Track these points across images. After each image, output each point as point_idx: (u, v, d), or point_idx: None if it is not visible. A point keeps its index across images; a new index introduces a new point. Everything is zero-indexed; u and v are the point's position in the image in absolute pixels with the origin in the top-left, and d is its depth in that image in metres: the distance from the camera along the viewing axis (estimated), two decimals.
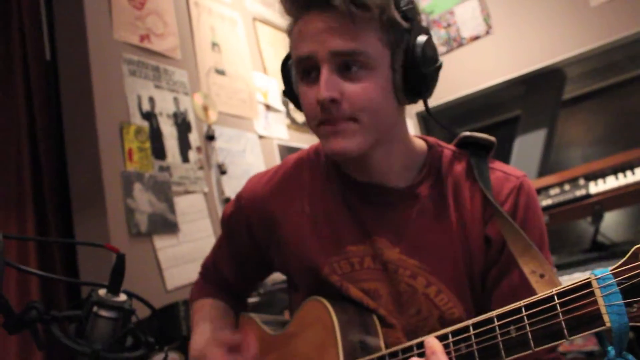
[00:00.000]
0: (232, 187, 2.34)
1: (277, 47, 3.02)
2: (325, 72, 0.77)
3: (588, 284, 0.56)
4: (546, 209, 2.38)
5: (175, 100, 2.20)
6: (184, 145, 2.17)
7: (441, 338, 0.68)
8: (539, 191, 2.52)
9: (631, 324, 0.52)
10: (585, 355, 2.25)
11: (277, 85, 2.89)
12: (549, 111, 3.10)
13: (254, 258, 1.05)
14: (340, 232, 0.92)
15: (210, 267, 1.13)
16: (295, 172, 0.99)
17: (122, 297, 0.74)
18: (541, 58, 2.96)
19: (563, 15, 2.91)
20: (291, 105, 1.07)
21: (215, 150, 2.33)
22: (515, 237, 0.79)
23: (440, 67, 0.83)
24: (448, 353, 0.66)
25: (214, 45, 2.55)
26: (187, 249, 2.01)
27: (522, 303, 0.61)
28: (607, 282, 0.54)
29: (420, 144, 0.93)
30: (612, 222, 2.91)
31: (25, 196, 1.79)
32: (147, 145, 1.98)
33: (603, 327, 0.54)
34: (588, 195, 2.32)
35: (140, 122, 1.99)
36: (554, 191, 2.48)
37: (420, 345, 0.70)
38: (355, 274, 0.90)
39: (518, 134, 3.14)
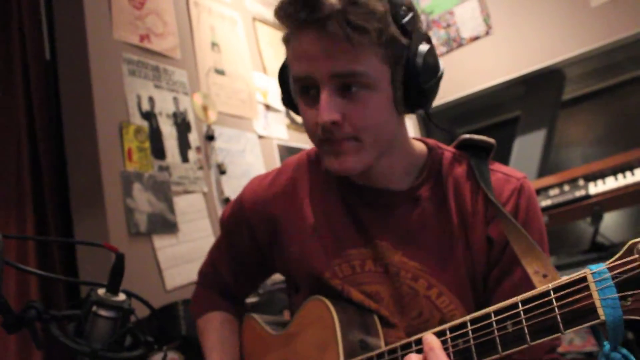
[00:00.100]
0: (232, 187, 2.34)
1: (277, 47, 3.02)
2: (325, 95, 0.75)
3: (583, 279, 0.57)
4: (546, 209, 2.39)
5: (175, 100, 2.20)
6: (184, 145, 2.17)
7: (439, 334, 0.68)
8: (539, 192, 2.52)
9: (625, 317, 0.53)
10: (584, 355, 2.26)
11: (276, 85, 2.89)
12: (548, 112, 3.11)
13: (255, 260, 1.05)
14: (341, 235, 0.92)
15: (208, 272, 1.13)
16: (296, 175, 0.99)
17: (121, 296, 0.74)
18: (541, 58, 2.97)
19: (563, 15, 2.91)
20: None
21: (215, 150, 2.33)
22: (518, 237, 0.79)
23: (441, 76, 0.82)
24: (446, 349, 0.66)
25: (214, 45, 2.55)
26: (186, 249, 2.01)
27: (518, 298, 0.62)
28: (602, 277, 0.55)
29: (420, 146, 0.93)
30: (611, 223, 2.92)
31: (25, 196, 1.80)
32: (147, 145, 1.98)
33: (598, 321, 0.55)
34: (587, 196, 2.32)
35: (140, 122, 1.99)
36: (553, 192, 2.48)
37: (419, 342, 0.71)
38: (357, 277, 0.90)
39: (518, 135, 3.14)
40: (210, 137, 2.31)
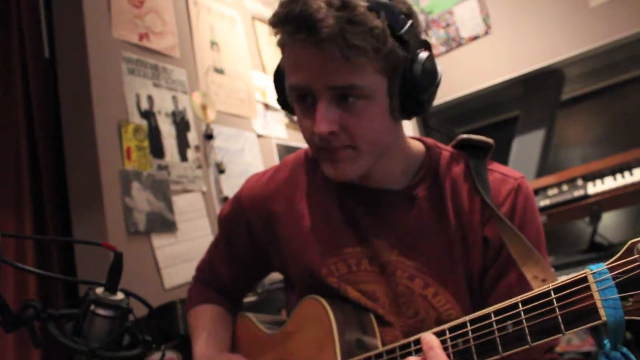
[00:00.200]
0: (231, 186, 2.34)
1: (276, 46, 3.01)
2: (322, 106, 0.75)
3: (584, 279, 0.56)
4: (544, 209, 2.39)
5: (174, 99, 2.19)
6: (183, 144, 2.17)
7: (439, 334, 0.68)
8: (537, 191, 2.53)
9: (627, 317, 0.53)
10: (582, 355, 2.26)
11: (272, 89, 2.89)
12: (547, 111, 3.11)
13: (252, 257, 1.05)
14: (337, 233, 0.92)
15: (205, 269, 1.13)
16: (294, 173, 0.99)
17: (120, 295, 0.74)
18: (540, 58, 2.97)
19: (562, 15, 2.91)
20: None
21: (214, 149, 2.33)
22: (515, 241, 0.79)
23: (439, 83, 0.82)
24: (445, 349, 0.66)
25: (213, 44, 2.55)
26: (185, 248, 2.01)
27: (518, 299, 0.62)
28: (603, 277, 0.55)
29: (417, 146, 0.93)
30: (610, 223, 2.92)
31: (24, 195, 1.79)
32: (146, 144, 1.98)
33: (599, 321, 0.54)
34: (586, 196, 2.33)
35: (139, 121, 1.99)
36: (552, 191, 2.49)
37: (418, 342, 0.71)
38: (353, 276, 0.90)
39: (517, 134, 3.15)
40: (209, 136, 2.30)
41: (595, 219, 2.34)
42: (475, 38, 3.21)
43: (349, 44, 0.70)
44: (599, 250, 2.44)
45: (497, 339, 0.62)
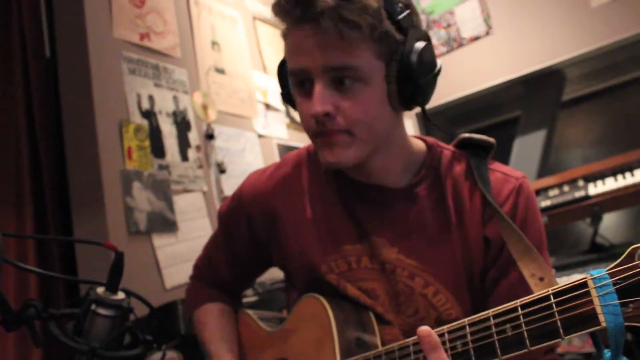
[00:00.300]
0: (231, 186, 2.34)
1: (277, 46, 3.02)
2: (318, 87, 0.77)
3: (584, 284, 0.56)
4: (545, 210, 2.39)
5: (175, 98, 2.19)
6: (183, 144, 2.17)
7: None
8: (538, 192, 2.53)
9: (626, 324, 0.53)
10: (583, 356, 2.25)
11: (276, 84, 2.89)
12: (548, 112, 3.11)
13: (252, 253, 1.05)
14: (337, 230, 0.92)
15: (203, 266, 1.13)
16: (294, 170, 1.00)
17: (121, 295, 0.74)
18: (541, 59, 2.97)
19: (563, 16, 2.91)
20: None
21: (215, 149, 2.33)
22: (515, 239, 0.79)
23: (438, 72, 0.82)
24: (444, 350, 0.66)
25: (214, 44, 2.55)
26: (185, 248, 2.01)
27: (518, 302, 0.62)
28: (603, 282, 0.54)
29: (419, 144, 0.93)
30: (611, 224, 2.91)
31: (25, 194, 1.79)
32: (147, 143, 1.98)
33: (598, 327, 0.54)
34: (587, 197, 2.32)
35: (140, 121, 1.99)
36: (553, 192, 2.48)
37: (417, 342, 0.70)
38: (353, 273, 0.90)
39: (518, 135, 3.14)
40: (210, 136, 2.30)
41: (596, 219, 2.33)
42: (476, 38, 3.21)
43: (344, 19, 0.72)
44: (600, 251, 2.44)
45: (496, 342, 0.62)
